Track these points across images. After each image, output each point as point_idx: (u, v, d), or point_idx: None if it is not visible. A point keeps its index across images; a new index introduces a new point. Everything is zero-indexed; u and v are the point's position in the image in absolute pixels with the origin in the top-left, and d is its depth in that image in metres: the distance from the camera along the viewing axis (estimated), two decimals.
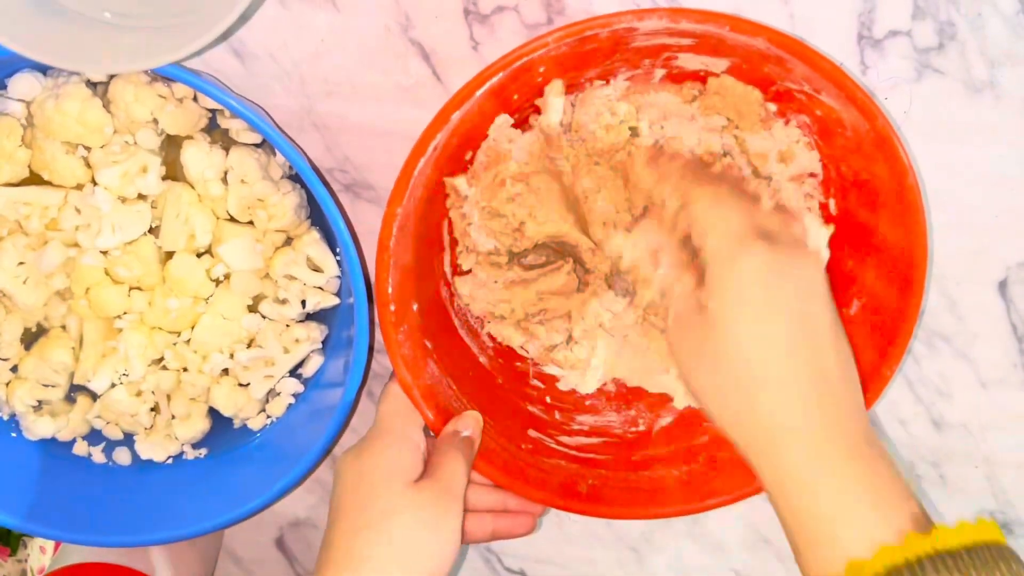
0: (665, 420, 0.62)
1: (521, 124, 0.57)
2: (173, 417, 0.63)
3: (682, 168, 0.52)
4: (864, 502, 0.42)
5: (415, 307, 0.56)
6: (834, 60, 0.49)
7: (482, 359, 0.62)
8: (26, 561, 0.95)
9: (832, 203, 0.57)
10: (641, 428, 0.62)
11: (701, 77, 0.56)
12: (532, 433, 0.61)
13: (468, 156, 0.56)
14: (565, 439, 0.61)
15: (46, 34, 0.52)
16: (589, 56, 0.53)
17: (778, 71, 0.52)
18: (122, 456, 0.65)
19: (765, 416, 0.44)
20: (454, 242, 0.60)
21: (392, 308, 0.54)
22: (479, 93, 0.50)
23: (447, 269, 0.60)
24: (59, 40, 0.53)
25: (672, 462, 0.60)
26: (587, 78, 0.55)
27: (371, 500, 0.50)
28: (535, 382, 0.63)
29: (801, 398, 0.44)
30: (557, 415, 0.62)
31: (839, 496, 0.43)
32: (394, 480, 0.51)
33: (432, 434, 0.56)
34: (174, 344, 0.61)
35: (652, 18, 0.49)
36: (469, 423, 0.56)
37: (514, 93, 0.53)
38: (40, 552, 0.94)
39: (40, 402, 0.63)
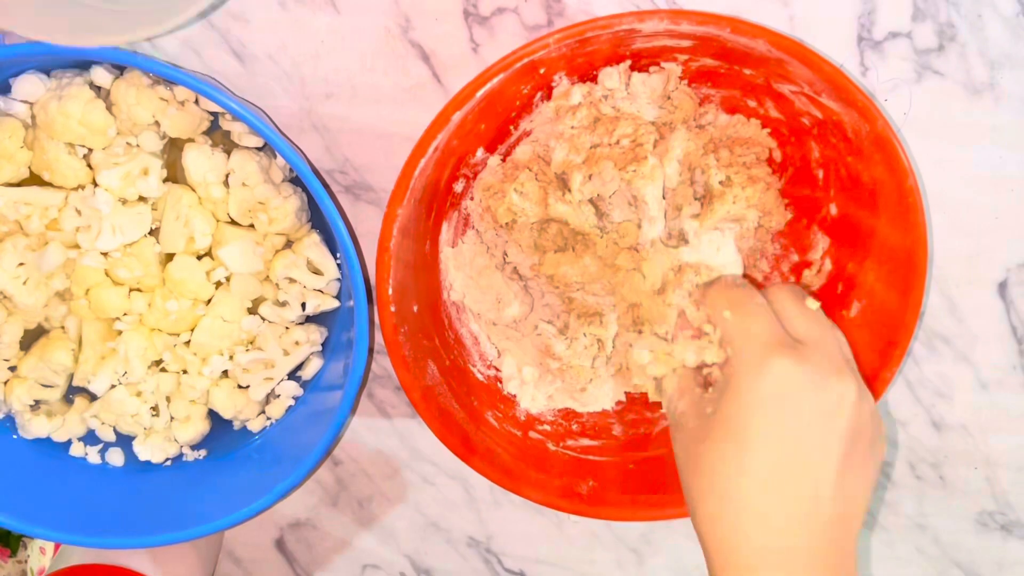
0: (666, 422, 0.62)
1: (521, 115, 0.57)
2: (172, 419, 0.63)
3: (716, 287, 0.50)
4: None
5: (415, 308, 0.56)
6: (834, 62, 0.49)
7: (481, 363, 0.62)
8: (26, 562, 0.95)
9: (833, 206, 0.57)
10: (641, 430, 0.62)
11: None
12: (533, 435, 0.61)
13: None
14: (566, 440, 0.61)
15: (26, 7, 0.52)
16: (590, 57, 0.53)
17: (778, 73, 0.52)
18: (115, 457, 0.65)
19: (743, 540, 0.43)
20: (458, 233, 0.60)
21: (393, 309, 0.54)
22: (479, 94, 0.50)
23: (447, 267, 0.60)
24: (43, 14, 0.52)
25: (672, 464, 0.60)
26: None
27: None
28: None
29: (784, 533, 0.43)
30: (559, 417, 0.62)
31: None
32: None
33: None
34: (174, 346, 0.61)
35: (653, 20, 0.49)
36: None
37: (515, 95, 0.53)
38: (40, 553, 0.94)
39: (37, 402, 0.63)
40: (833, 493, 0.43)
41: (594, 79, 0.56)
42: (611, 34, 0.50)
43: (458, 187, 0.58)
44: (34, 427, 0.63)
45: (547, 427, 0.61)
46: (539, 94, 0.56)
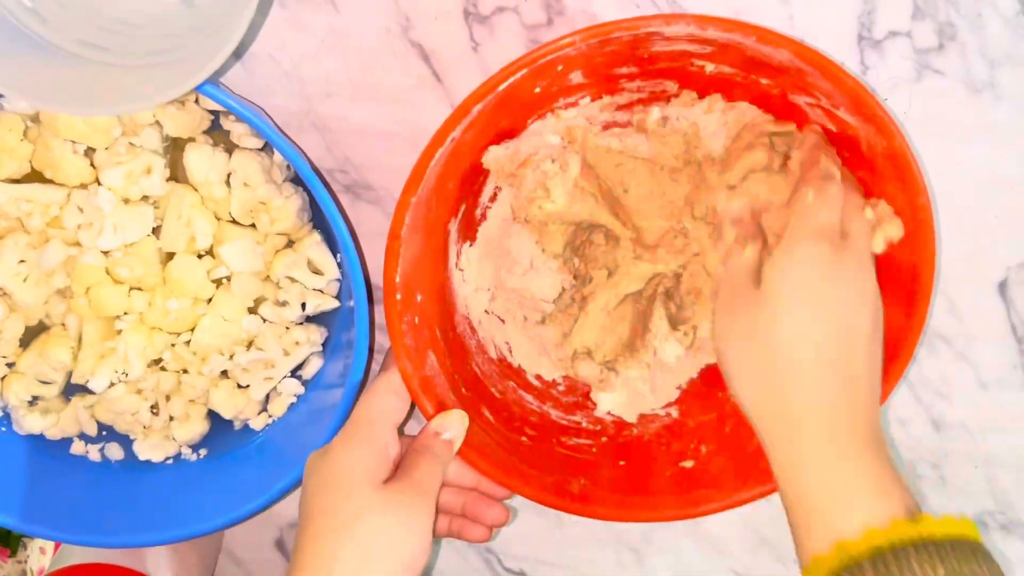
0: (657, 424, 0.62)
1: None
2: (171, 418, 0.63)
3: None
4: (863, 490, 0.45)
5: (419, 298, 0.56)
6: (856, 76, 0.49)
7: (479, 357, 0.62)
8: (26, 562, 0.95)
9: None
10: (635, 432, 0.62)
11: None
12: (528, 431, 0.61)
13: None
14: (560, 438, 0.61)
15: (32, 73, 0.52)
16: (608, 57, 0.53)
17: (796, 84, 0.52)
18: (114, 451, 0.65)
19: (790, 397, 0.48)
20: (463, 230, 0.60)
21: (398, 297, 0.53)
22: (501, 88, 0.50)
23: (452, 262, 0.60)
24: (44, 79, 0.53)
25: (664, 466, 0.60)
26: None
27: (341, 502, 0.50)
28: (533, 380, 0.63)
29: (827, 390, 0.47)
30: (552, 415, 0.62)
31: (842, 481, 0.45)
32: (362, 481, 0.51)
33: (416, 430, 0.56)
34: (173, 345, 0.61)
35: (680, 23, 0.49)
36: (453, 423, 0.55)
37: (529, 92, 0.53)
38: (40, 553, 0.94)
39: (35, 398, 0.63)
40: (866, 364, 0.48)
41: (615, 80, 0.56)
42: (632, 35, 0.50)
43: (472, 183, 0.58)
44: (28, 423, 0.63)
45: (543, 421, 0.62)
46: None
